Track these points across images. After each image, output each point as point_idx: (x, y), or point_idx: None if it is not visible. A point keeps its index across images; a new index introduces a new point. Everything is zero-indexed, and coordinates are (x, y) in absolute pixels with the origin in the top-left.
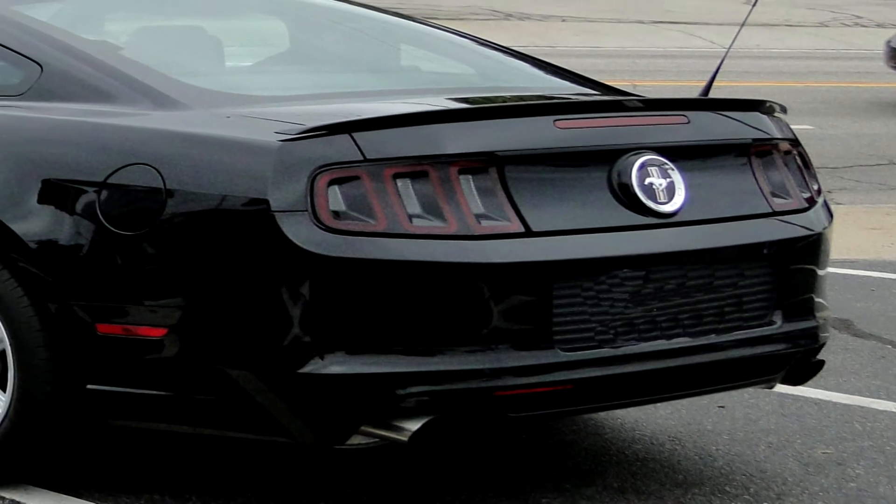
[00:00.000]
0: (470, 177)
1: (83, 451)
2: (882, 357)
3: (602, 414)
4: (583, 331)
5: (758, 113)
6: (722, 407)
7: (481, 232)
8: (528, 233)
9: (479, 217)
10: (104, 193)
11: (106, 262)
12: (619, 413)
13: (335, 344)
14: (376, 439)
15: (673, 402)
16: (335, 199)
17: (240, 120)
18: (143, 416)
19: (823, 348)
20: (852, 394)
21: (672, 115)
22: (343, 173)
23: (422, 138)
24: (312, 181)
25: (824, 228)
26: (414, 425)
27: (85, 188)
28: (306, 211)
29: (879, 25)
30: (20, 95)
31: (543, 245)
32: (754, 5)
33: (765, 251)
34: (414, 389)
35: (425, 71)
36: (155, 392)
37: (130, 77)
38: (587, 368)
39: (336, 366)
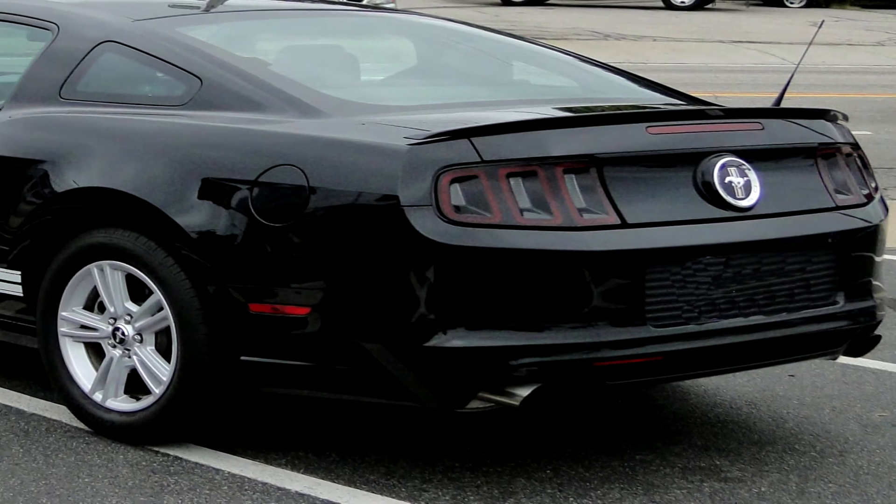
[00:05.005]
0: (573, 176)
1: (237, 414)
2: None
3: (688, 381)
4: (671, 309)
5: (823, 120)
6: (792, 376)
7: (583, 224)
8: (624, 224)
9: (581, 211)
10: (256, 190)
11: (257, 249)
12: (703, 381)
13: (456, 321)
14: (491, 404)
15: (749, 372)
16: (456, 195)
17: (373, 126)
18: (289, 383)
19: (880, 325)
20: None
21: (749, 122)
22: (463, 173)
23: (531, 142)
24: (436, 179)
25: (881, 220)
26: (524, 391)
27: (239, 186)
28: (431, 205)
29: None
30: (183, 105)
31: (637, 235)
32: (820, 27)
33: (829, 240)
34: (525, 360)
35: (534, 84)
36: (299, 363)
37: (278, 89)
38: (675, 342)
39: (457, 340)
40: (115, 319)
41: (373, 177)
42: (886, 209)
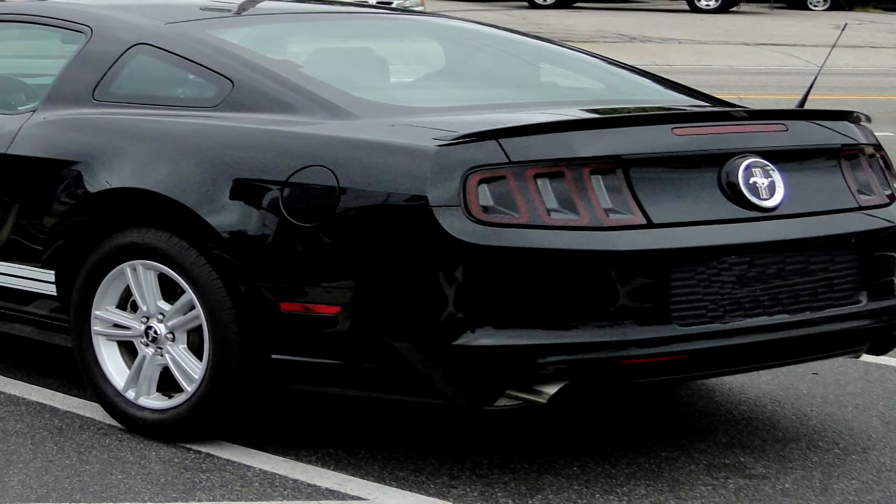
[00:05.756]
0: (600, 176)
1: (268, 412)
2: None
3: (713, 379)
4: (696, 308)
5: (846, 122)
6: (815, 374)
7: (609, 224)
8: (650, 224)
9: (607, 211)
10: (286, 191)
11: (288, 249)
12: (727, 379)
13: (484, 319)
14: (519, 401)
15: (773, 370)
16: (484, 195)
17: (402, 128)
18: (320, 381)
19: None
20: None
21: (773, 123)
22: (491, 173)
23: (559, 143)
24: (465, 180)
25: None
26: (552, 389)
27: (270, 186)
28: (459, 206)
29: None
30: (214, 107)
31: (663, 235)
32: (843, 30)
33: (852, 240)
34: (552, 358)
35: (561, 86)
36: (330, 361)
37: (309, 91)
38: (700, 340)
39: (485, 338)
40: (148, 318)
41: (402, 177)
42: None
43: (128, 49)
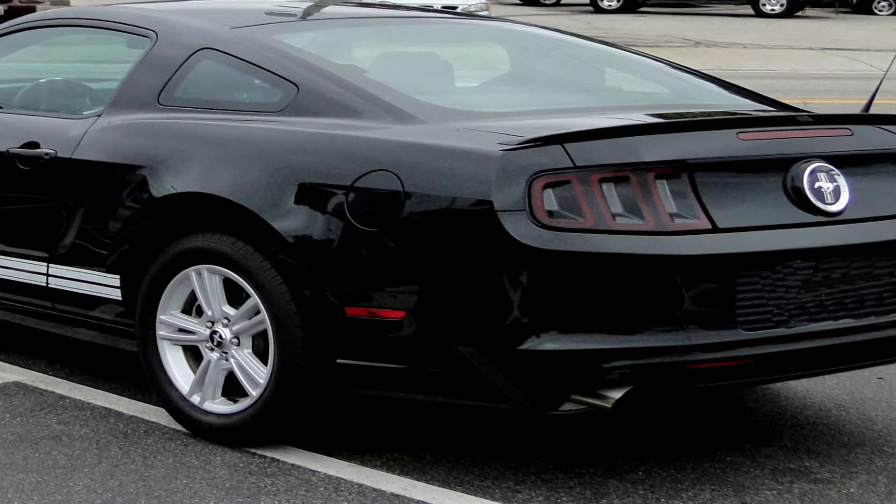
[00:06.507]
0: (665, 181)
1: (333, 417)
2: None
3: (778, 384)
4: (761, 313)
5: None
6: (881, 378)
7: (674, 228)
8: (715, 229)
9: (672, 215)
10: (352, 195)
11: (353, 254)
12: (792, 383)
13: (549, 324)
14: (584, 406)
15: (838, 374)
16: (549, 200)
17: (467, 132)
18: (384, 386)
19: None
20: None
21: (838, 128)
22: (556, 178)
23: (624, 148)
24: (530, 185)
25: None
26: (617, 394)
27: (335, 191)
28: (524, 210)
29: None
30: (280, 111)
31: (728, 240)
32: None
33: None
34: (617, 363)
35: (626, 90)
36: (394, 365)
37: (374, 96)
38: (766, 345)
39: (550, 343)
40: (213, 323)
41: (467, 182)
42: None
43: (193, 54)
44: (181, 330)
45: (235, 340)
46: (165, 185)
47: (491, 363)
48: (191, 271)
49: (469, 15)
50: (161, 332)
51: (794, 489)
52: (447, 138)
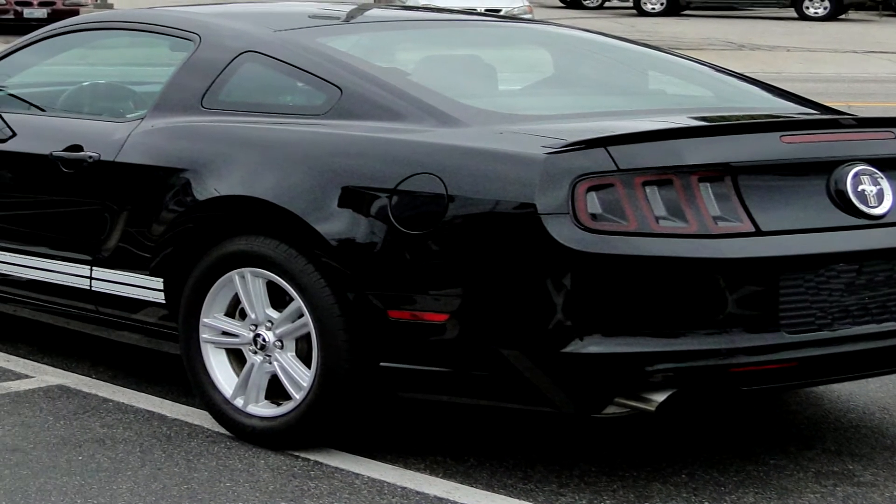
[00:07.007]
0: (708, 184)
1: (376, 420)
2: None
3: (821, 387)
4: (805, 316)
5: None
6: None
7: (718, 231)
8: (758, 232)
9: (715, 219)
10: (395, 199)
11: (396, 257)
12: (836, 386)
13: (592, 327)
14: (627, 409)
15: (882, 377)
16: (593, 203)
17: (511, 135)
18: (428, 389)
19: None
20: None
21: (881, 131)
22: (599, 181)
23: (667, 151)
24: (573, 188)
25: None
26: (660, 397)
27: (379, 194)
28: (568, 213)
29: None
30: (323, 115)
31: (771, 243)
32: None
33: None
34: (661, 366)
35: (670, 93)
36: (437, 368)
37: (417, 99)
38: (809, 348)
39: (594, 346)
40: (256, 326)
41: (510, 185)
42: None
43: (236, 57)
44: (224, 333)
45: (279, 343)
46: (209, 188)
47: (534, 366)
48: (234, 274)
49: (512, 18)
50: (204, 336)
51: (838, 492)
52: (490, 141)
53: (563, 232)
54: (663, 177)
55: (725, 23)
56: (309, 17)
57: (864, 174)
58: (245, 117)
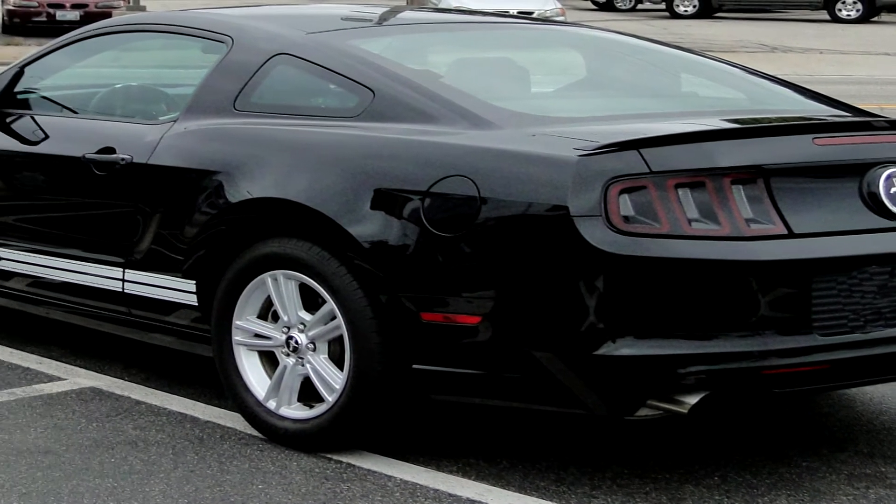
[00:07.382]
0: (740, 186)
1: (409, 422)
2: None
3: (853, 389)
4: (837, 318)
5: None
6: None
7: (750, 234)
8: (791, 234)
9: (748, 221)
10: (427, 201)
11: (429, 259)
12: (868, 388)
13: (625, 329)
14: (660, 411)
15: None
16: (625, 205)
17: (543, 138)
18: (460, 391)
19: None
20: None
21: None
22: (632, 183)
23: (699, 153)
24: (606, 190)
25: None
26: (693, 399)
27: (411, 196)
28: (600, 216)
29: None
30: (356, 117)
31: (804, 245)
32: None
33: None
34: (693, 368)
35: (702, 96)
36: (471, 371)
37: (450, 101)
38: (841, 351)
39: (626, 348)
40: (289, 328)
41: (543, 187)
42: None
43: (269, 59)
44: (257, 335)
45: (311, 346)
46: (241, 190)
47: (567, 368)
48: (266, 277)
49: (544, 20)
50: (237, 338)
51: (870, 494)
52: (523, 144)
53: (595, 234)
54: (696, 179)
55: (758, 25)
56: (341, 19)
57: None
58: (278, 120)
